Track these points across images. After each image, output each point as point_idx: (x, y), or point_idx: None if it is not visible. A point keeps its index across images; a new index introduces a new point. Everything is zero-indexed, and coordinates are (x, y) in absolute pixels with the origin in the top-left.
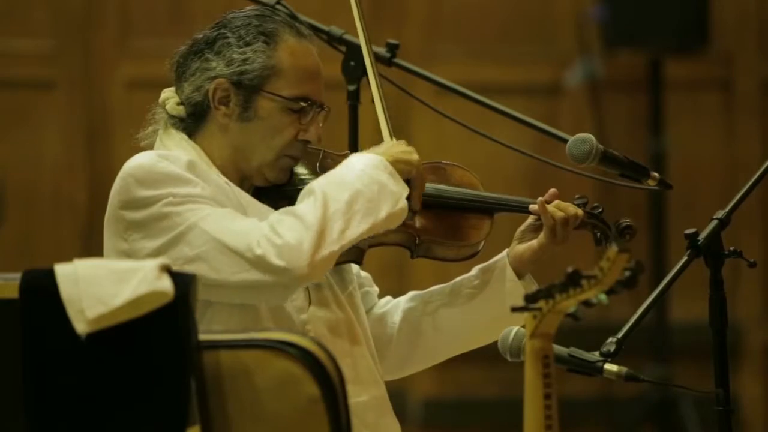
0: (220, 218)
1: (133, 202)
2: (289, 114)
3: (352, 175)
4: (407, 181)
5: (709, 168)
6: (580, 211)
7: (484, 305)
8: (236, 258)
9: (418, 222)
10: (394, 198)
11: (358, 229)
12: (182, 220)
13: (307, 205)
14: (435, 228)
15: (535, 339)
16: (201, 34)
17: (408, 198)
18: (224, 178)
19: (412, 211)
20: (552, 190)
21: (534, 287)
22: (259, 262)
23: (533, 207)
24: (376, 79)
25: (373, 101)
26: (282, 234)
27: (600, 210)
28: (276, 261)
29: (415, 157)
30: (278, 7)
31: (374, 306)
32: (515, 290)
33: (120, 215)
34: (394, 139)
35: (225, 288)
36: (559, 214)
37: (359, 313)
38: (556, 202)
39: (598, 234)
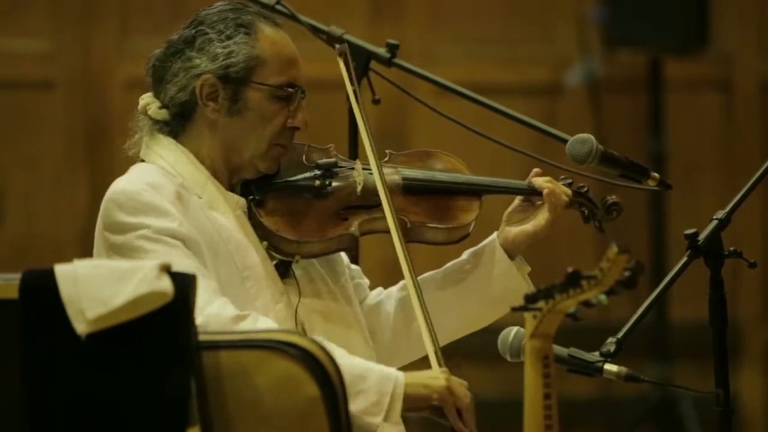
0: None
1: (112, 226)
2: (276, 102)
3: (357, 360)
4: (435, 408)
5: (709, 168)
6: (568, 190)
7: (476, 288)
8: None
9: (408, 207)
10: (375, 409)
11: None
12: (147, 259)
13: None
14: (425, 212)
15: (535, 339)
16: (176, 34)
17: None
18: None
19: None
20: (535, 170)
21: (525, 267)
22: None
23: (536, 183)
24: (376, 161)
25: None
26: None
27: (586, 189)
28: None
29: (438, 382)
30: (278, 7)
31: (366, 297)
32: (507, 271)
33: (104, 235)
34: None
35: None
36: (562, 197)
37: (353, 305)
38: (547, 178)
39: (586, 212)
